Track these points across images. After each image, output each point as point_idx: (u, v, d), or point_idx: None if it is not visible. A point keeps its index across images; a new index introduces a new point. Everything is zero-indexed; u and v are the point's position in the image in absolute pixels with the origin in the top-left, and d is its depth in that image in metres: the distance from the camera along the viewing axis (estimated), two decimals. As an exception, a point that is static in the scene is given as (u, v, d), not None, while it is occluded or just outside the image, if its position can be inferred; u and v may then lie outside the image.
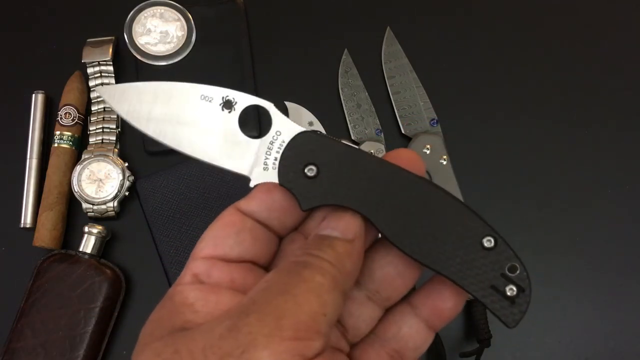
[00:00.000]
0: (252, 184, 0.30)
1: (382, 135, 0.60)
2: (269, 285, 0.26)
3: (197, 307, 0.27)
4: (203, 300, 0.27)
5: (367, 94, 0.61)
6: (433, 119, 0.60)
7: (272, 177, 0.30)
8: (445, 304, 0.31)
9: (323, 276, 0.26)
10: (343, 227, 0.29)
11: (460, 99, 0.62)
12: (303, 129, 0.30)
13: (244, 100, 0.31)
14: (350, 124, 0.61)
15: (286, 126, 0.30)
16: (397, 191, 0.29)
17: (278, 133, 0.30)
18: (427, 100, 0.61)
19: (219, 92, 0.31)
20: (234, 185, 0.57)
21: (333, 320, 0.26)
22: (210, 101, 0.31)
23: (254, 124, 0.52)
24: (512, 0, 0.66)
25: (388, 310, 0.32)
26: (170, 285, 0.55)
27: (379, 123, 0.61)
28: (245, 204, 0.30)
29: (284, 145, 0.30)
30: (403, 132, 0.60)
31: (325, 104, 0.62)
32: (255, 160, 0.30)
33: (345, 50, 0.63)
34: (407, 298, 0.32)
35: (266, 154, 0.30)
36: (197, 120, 0.31)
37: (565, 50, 0.64)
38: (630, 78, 0.63)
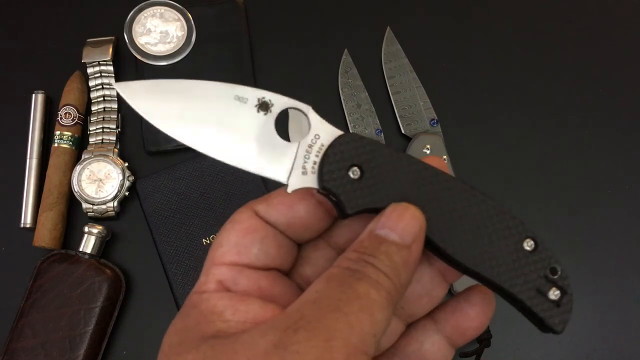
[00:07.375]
0: (289, 190, 0.28)
1: (382, 135, 0.60)
2: (319, 297, 0.25)
3: (227, 316, 0.26)
4: (232, 309, 0.26)
5: (367, 94, 0.61)
6: (433, 119, 0.60)
7: (311, 181, 0.28)
8: (470, 322, 0.30)
9: (377, 292, 0.25)
10: (402, 228, 0.27)
11: (460, 99, 0.62)
12: (342, 132, 0.29)
13: (280, 102, 0.29)
14: (350, 124, 0.61)
15: (325, 129, 0.29)
16: (441, 193, 0.29)
17: (317, 136, 0.29)
18: (427, 100, 0.61)
19: (255, 93, 0.29)
20: (234, 185, 0.57)
21: (380, 338, 0.25)
22: (245, 102, 0.29)
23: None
24: (512, 1, 0.66)
25: (410, 325, 0.31)
26: (170, 285, 0.55)
27: (379, 123, 0.61)
28: (265, 210, 0.29)
29: (324, 148, 0.29)
30: (403, 132, 0.60)
31: (325, 104, 0.61)
32: (293, 165, 0.28)
33: (345, 50, 0.63)
34: (430, 313, 0.31)
35: (305, 157, 0.28)
36: (230, 123, 0.29)
37: (565, 51, 0.64)
38: (630, 78, 0.63)
